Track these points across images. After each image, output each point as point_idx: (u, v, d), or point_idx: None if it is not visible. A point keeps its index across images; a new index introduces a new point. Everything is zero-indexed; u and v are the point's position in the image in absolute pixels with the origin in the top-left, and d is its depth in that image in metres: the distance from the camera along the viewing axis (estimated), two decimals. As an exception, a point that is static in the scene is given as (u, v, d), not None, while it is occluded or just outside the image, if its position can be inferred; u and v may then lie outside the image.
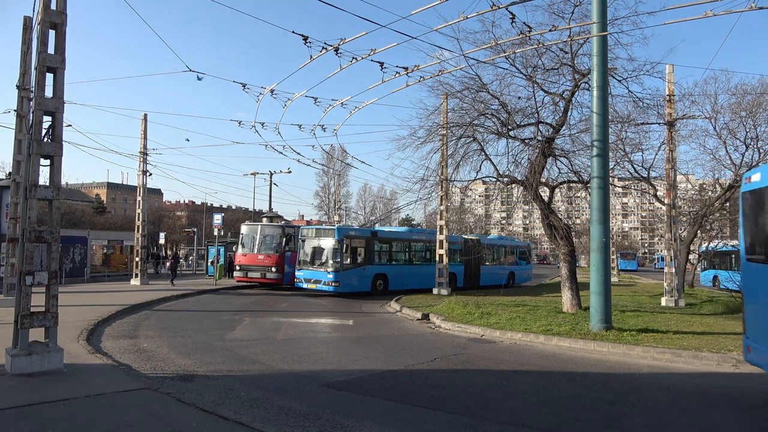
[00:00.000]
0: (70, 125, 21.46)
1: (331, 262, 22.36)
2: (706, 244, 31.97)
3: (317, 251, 23.11)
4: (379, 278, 24.21)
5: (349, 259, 22.79)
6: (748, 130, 24.21)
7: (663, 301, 20.86)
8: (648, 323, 14.39)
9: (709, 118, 24.52)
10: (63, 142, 8.27)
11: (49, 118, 8.21)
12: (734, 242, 31.60)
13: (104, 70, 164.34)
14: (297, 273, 23.60)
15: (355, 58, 12.44)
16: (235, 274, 27.96)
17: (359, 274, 23.33)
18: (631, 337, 12.12)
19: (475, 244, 29.41)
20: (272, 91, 14.97)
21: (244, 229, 27.96)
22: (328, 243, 22.71)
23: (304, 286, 22.94)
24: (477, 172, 18.53)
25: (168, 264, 31.45)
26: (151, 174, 27.73)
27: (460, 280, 28.05)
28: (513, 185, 19.01)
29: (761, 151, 24.11)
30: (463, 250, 28.79)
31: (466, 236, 32.66)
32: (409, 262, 26.83)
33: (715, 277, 32.17)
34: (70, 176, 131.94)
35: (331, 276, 22.04)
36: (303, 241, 23.77)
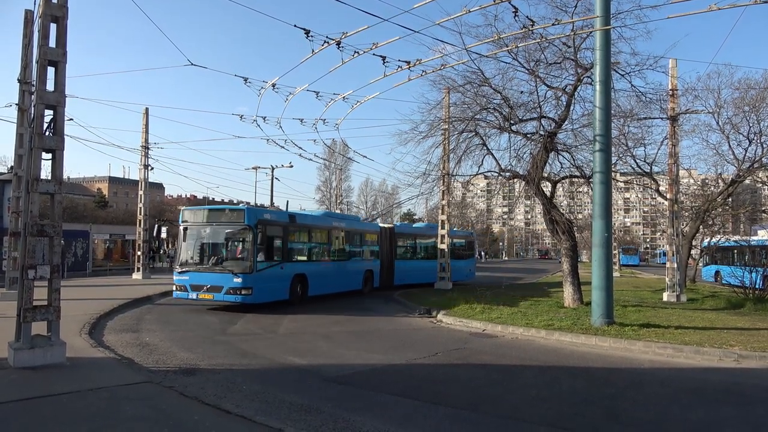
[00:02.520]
0: (71, 119, 21.46)
1: (238, 260, 15.58)
2: (709, 239, 31.89)
3: (213, 244, 16.22)
4: (298, 280, 17.50)
5: (263, 255, 15.71)
6: (751, 124, 24.12)
7: (665, 296, 20.85)
8: (649, 318, 14.38)
9: (712, 113, 24.42)
10: (64, 136, 8.26)
11: (51, 112, 8.20)
12: (736, 237, 31.58)
13: (106, 64, 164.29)
14: (177, 277, 15.80)
15: (357, 52, 12.40)
16: None
17: (277, 275, 16.34)
18: (632, 332, 12.11)
19: (389, 233, 24.41)
20: (274, 85, 14.94)
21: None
22: (232, 231, 15.78)
23: (192, 296, 15.40)
24: (479, 167, 18.52)
25: None
26: (152, 168, 27.80)
27: (376, 279, 23.09)
28: (515, 180, 18.99)
29: (764, 146, 24.02)
30: (380, 240, 23.71)
31: (383, 224, 26.83)
32: (330, 257, 20.26)
33: (717, 273, 32.13)
34: (71, 170, 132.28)
35: (239, 280, 14.94)
36: (185, 229, 16.26)
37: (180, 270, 15.75)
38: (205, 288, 15.20)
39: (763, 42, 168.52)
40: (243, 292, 14.98)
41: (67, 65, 8.26)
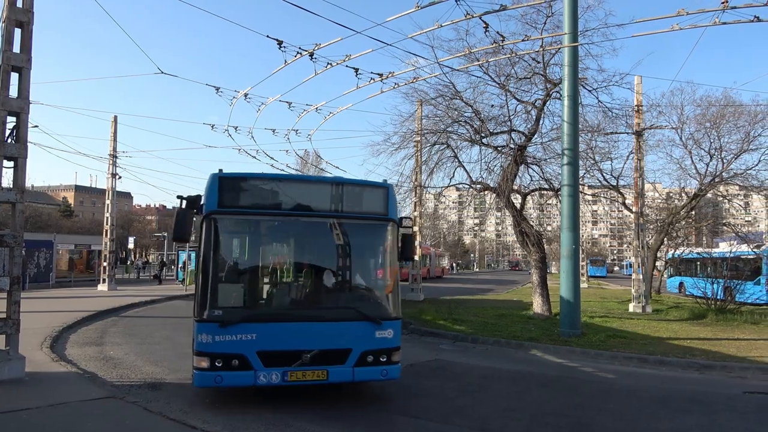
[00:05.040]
0: (36, 126, 20.80)
1: (372, 291, 8.18)
2: (673, 251, 32.68)
3: (314, 258, 8.18)
4: None
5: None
6: (712, 140, 24.91)
7: (631, 307, 21.26)
8: (616, 329, 14.65)
9: (675, 129, 25.14)
10: (28, 144, 8.10)
11: (14, 119, 8.01)
12: (699, 249, 32.44)
13: (73, 71, 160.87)
14: (214, 337, 6.64)
15: (330, 64, 12.43)
16: None
17: None
18: (599, 342, 12.32)
19: None
20: (246, 95, 14.84)
21: None
22: (363, 231, 8.00)
23: (267, 379, 6.75)
24: (450, 179, 18.72)
25: None
26: (120, 177, 27.17)
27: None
28: (486, 192, 19.20)
29: (724, 161, 24.84)
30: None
31: None
32: None
33: (681, 284, 32.88)
34: (36, 179, 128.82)
35: (389, 334, 7.32)
36: (216, 225, 7.07)
37: (223, 318, 6.78)
38: (306, 357, 6.84)
39: (721, 62, 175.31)
40: (394, 360, 7.38)
41: (31, 71, 8.09)
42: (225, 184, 7.19)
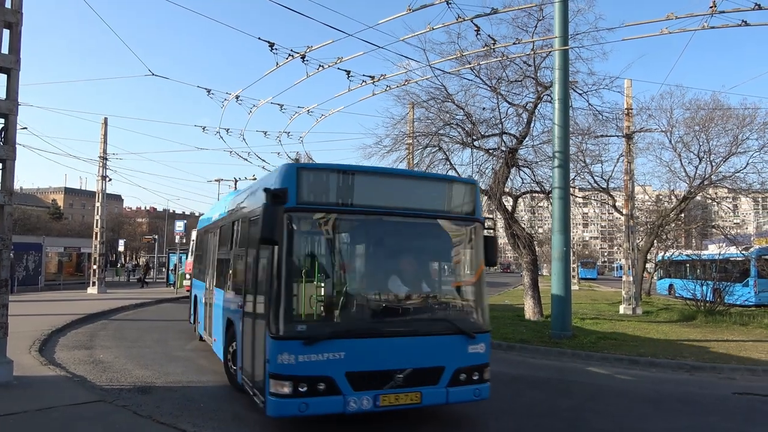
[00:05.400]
0: (25, 128, 20.61)
1: (460, 302, 7.24)
2: (662, 253, 32.89)
3: (397, 264, 7.10)
4: None
5: None
6: (701, 143, 25.09)
7: (621, 309, 21.38)
8: (607, 330, 14.71)
9: (665, 132, 25.30)
10: (17, 146, 8.02)
11: (2, 121, 7.94)
12: (688, 251, 32.71)
13: (63, 73, 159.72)
14: (295, 356, 5.67)
15: (322, 66, 12.41)
16: (185, 283, 23.08)
17: None
18: (590, 344, 12.36)
19: None
20: (237, 97, 14.78)
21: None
22: (450, 234, 7.13)
23: (357, 405, 5.84)
24: (442, 181, 18.69)
25: None
26: (110, 179, 27.00)
27: None
28: (477, 194, 19.23)
29: (713, 164, 25.04)
30: None
31: None
32: None
33: (670, 286, 33.08)
34: (25, 181, 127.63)
35: (481, 349, 6.58)
36: (291, 229, 6.03)
37: (308, 334, 5.89)
38: (398, 377, 6.06)
39: (711, 64, 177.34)
40: (485, 377, 6.63)
41: (20, 73, 8.03)
42: (304, 177, 6.18)
